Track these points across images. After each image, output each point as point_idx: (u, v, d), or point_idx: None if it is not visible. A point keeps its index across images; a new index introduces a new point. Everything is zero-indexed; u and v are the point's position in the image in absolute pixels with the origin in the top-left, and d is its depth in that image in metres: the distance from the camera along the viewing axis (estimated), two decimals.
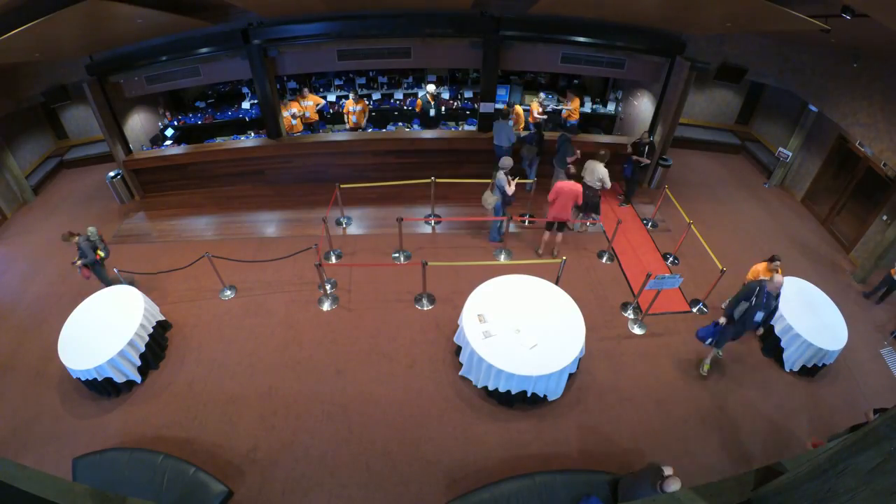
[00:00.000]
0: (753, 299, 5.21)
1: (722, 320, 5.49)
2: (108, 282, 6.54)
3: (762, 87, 10.38)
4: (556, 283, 6.14)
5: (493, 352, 5.15)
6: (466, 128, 10.27)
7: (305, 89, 9.93)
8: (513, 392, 5.24)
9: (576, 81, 11.57)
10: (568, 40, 8.08)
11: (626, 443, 5.28)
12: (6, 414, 5.48)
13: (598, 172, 7.40)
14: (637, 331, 6.53)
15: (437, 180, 7.90)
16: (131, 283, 6.54)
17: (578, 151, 8.05)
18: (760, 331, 5.97)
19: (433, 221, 8.35)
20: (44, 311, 6.72)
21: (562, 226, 7.27)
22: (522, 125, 9.74)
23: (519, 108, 9.93)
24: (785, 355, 6.06)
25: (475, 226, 8.27)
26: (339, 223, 8.31)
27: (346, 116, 9.99)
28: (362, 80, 11.21)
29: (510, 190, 6.99)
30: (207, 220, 8.62)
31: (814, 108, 8.65)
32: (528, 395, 5.28)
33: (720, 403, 5.67)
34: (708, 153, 11.06)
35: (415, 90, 11.22)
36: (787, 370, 6.09)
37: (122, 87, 8.34)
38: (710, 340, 5.72)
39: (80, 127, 10.45)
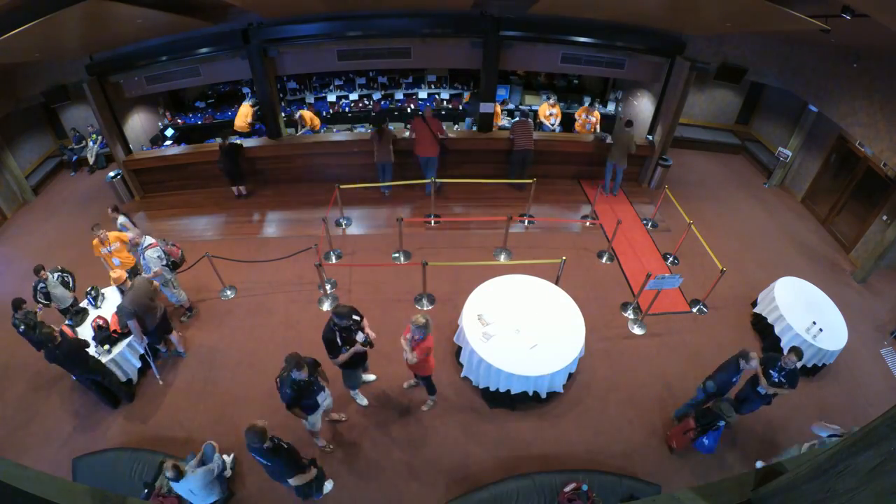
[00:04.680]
0: None
1: None
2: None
3: (762, 87, 10.38)
4: (556, 283, 6.14)
5: (494, 352, 5.15)
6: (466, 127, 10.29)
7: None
8: (513, 392, 5.24)
9: (575, 82, 11.59)
10: (568, 40, 8.08)
11: (626, 442, 5.28)
12: (6, 414, 5.49)
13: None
14: (637, 331, 6.53)
15: (437, 180, 7.89)
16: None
17: None
18: None
19: (433, 221, 8.35)
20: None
21: None
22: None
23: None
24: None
25: (475, 226, 8.28)
26: (338, 223, 8.31)
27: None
28: (362, 80, 11.21)
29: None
30: (207, 220, 8.62)
31: (814, 108, 8.65)
32: (529, 395, 5.28)
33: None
34: (708, 153, 11.06)
35: (415, 90, 11.22)
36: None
37: (122, 87, 8.34)
38: None
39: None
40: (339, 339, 4.43)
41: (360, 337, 4.49)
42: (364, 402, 5.53)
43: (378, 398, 5.59)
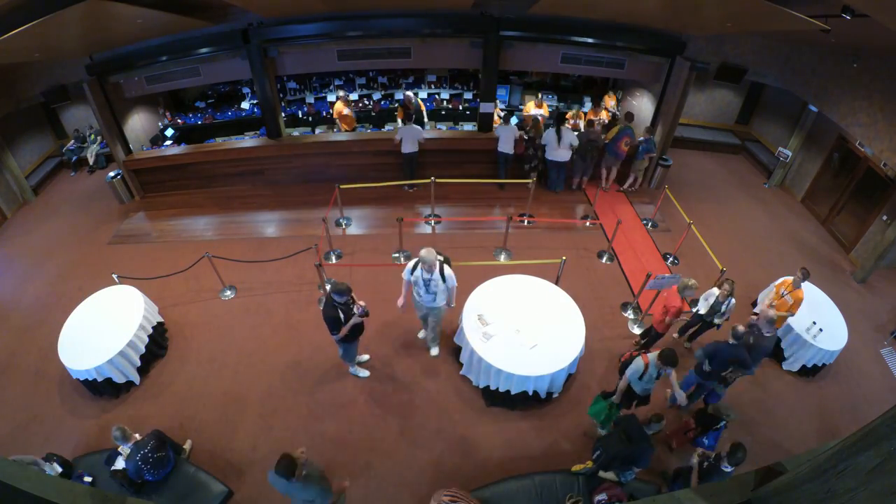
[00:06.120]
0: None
1: None
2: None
3: (762, 87, 10.38)
4: (556, 283, 6.14)
5: (493, 352, 5.15)
6: (466, 127, 10.31)
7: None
8: (513, 392, 5.24)
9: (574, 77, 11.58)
10: (568, 40, 8.09)
11: None
12: (6, 414, 5.48)
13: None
14: (637, 331, 6.52)
15: (437, 180, 7.90)
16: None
17: None
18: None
19: (433, 221, 8.35)
20: (44, 311, 6.72)
21: None
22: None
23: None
24: (785, 355, 6.07)
25: (475, 226, 8.28)
26: (338, 224, 8.31)
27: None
28: (362, 80, 11.21)
29: None
30: (207, 220, 8.62)
31: (814, 108, 8.65)
32: (529, 394, 5.28)
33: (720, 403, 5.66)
34: (708, 153, 11.06)
35: (415, 90, 11.22)
36: (787, 370, 6.10)
37: (122, 87, 8.34)
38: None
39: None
40: (341, 316, 4.71)
41: (357, 309, 4.79)
42: (365, 373, 5.78)
43: (375, 396, 5.59)
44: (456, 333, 5.80)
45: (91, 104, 7.96)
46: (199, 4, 6.88)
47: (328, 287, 6.72)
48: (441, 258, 5.13)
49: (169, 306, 6.60)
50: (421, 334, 6.21)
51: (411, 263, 5.12)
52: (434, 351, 6.08)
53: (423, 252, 4.85)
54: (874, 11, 4.21)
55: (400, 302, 5.40)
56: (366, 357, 5.95)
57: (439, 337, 6.04)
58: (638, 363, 4.49)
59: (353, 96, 10.98)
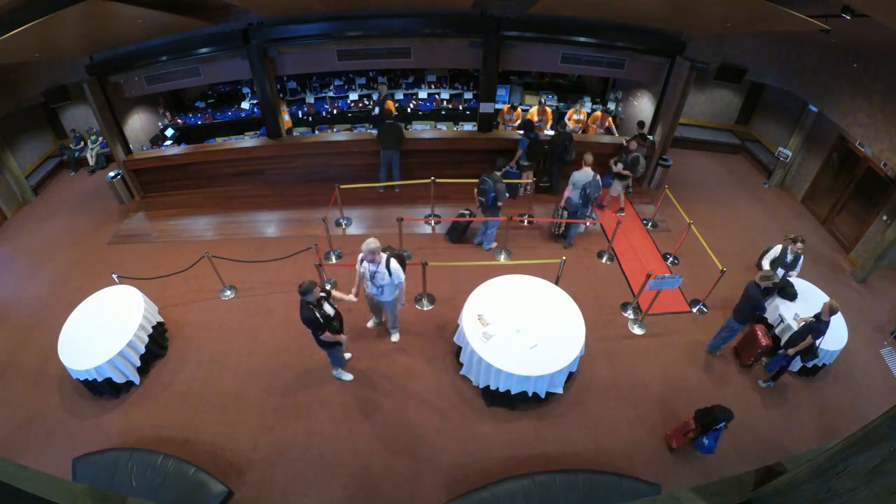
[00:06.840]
0: None
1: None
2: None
3: (762, 87, 10.38)
4: (556, 283, 6.14)
5: (493, 352, 5.14)
6: (466, 127, 10.30)
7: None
8: (513, 392, 5.24)
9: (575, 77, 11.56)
10: (568, 40, 8.09)
11: (626, 442, 5.28)
12: (6, 414, 5.48)
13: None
14: (637, 331, 6.52)
15: (437, 180, 7.90)
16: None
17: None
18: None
19: (433, 221, 8.35)
20: (44, 311, 6.72)
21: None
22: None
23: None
24: None
25: (475, 225, 8.27)
26: (338, 224, 8.31)
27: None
28: (362, 80, 11.21)
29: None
30: (207, 220, 8.62)
31: (814, 108, 8.65)
32: (529, 394, 5.28)
33: (720, 404, 5.65)
34: (708, 153, 11.06)
35: (415, 90, 11.22)
36: (787, 370, 6.09)
37: (122, 87, 8.34)
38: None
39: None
40: (318, 316, 4.75)
41: (329, 308, 4.88)
42: (349, 377, 5.77)
43: (375, 397, 5.59)
44: (456, 333, 5.80)
45: (91, 104, 7.97)
46: (199, 4, 6.89)
47: (328, 287, 6.75)
48: (391, 253, 5.23)
49: (169, 306, 6.60)
50: (370, 324, 6.32)
51: (362, 255, 5.15)
52: (395, 337, 6.22)
53: (365, 242, 4.94)
54: (874, 11, 4.22)
55: (353, 292, 5.41)
56: (348, 355, 5.95)
57: (399, 323, 6.18)
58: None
59: (353, 96, 10.98)
